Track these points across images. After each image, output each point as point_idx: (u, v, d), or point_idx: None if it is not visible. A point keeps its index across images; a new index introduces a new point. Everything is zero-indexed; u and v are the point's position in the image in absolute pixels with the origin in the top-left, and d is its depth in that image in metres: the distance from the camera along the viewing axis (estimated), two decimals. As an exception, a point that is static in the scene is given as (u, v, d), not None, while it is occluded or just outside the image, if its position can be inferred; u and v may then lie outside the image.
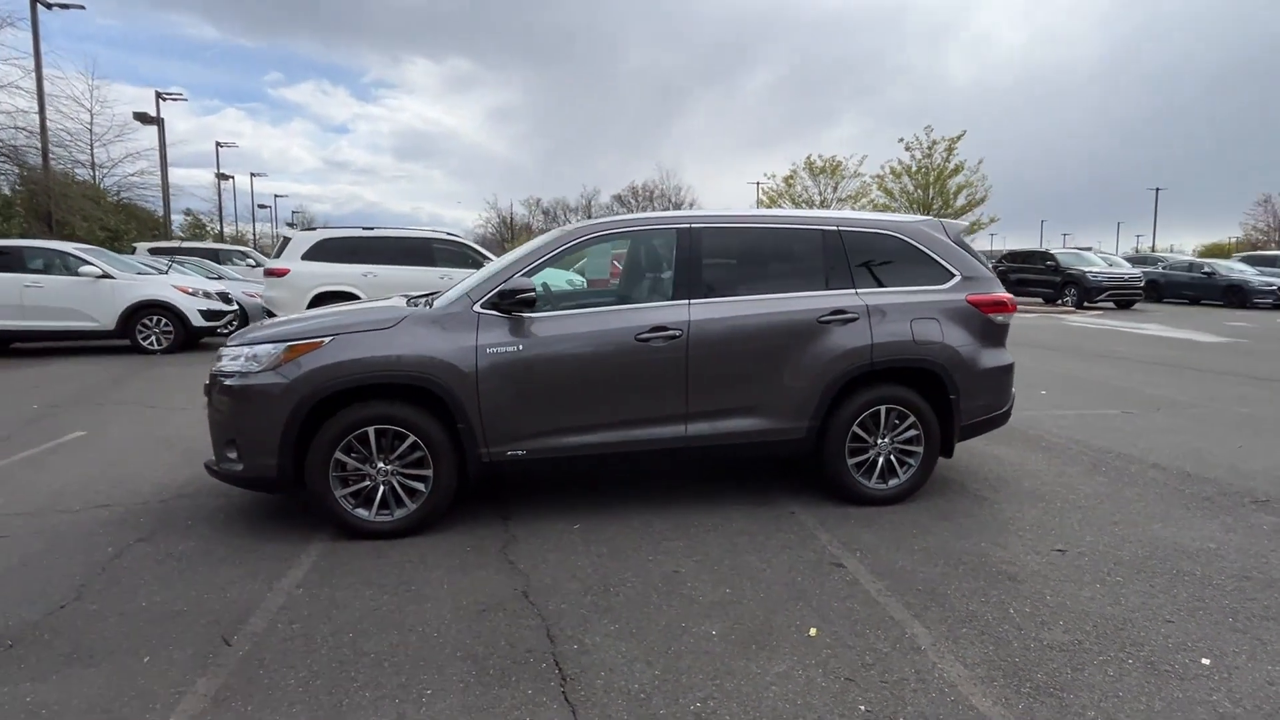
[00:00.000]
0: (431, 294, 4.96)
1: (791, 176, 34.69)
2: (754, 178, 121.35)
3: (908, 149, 26.00)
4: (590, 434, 3.99)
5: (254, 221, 61.99)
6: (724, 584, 3.34)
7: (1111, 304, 21.57)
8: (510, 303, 3.85)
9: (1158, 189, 61.71)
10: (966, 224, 25.32)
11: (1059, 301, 21.73)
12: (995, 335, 4.53)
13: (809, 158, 33.83)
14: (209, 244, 22.09)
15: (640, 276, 4.48)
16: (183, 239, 26.12)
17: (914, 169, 25.94)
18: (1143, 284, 21.47)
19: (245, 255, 20.31)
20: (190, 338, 11.29)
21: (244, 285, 13.81)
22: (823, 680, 2.60)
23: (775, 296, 4.22)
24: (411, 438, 3.80)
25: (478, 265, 11.96)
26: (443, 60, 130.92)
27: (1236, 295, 22.12)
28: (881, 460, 4.32)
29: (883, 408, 4.26)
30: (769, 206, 35.90)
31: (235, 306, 12.12)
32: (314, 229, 11.57)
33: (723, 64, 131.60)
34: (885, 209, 26.98)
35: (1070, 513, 4.25)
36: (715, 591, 3.27)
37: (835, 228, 4.43)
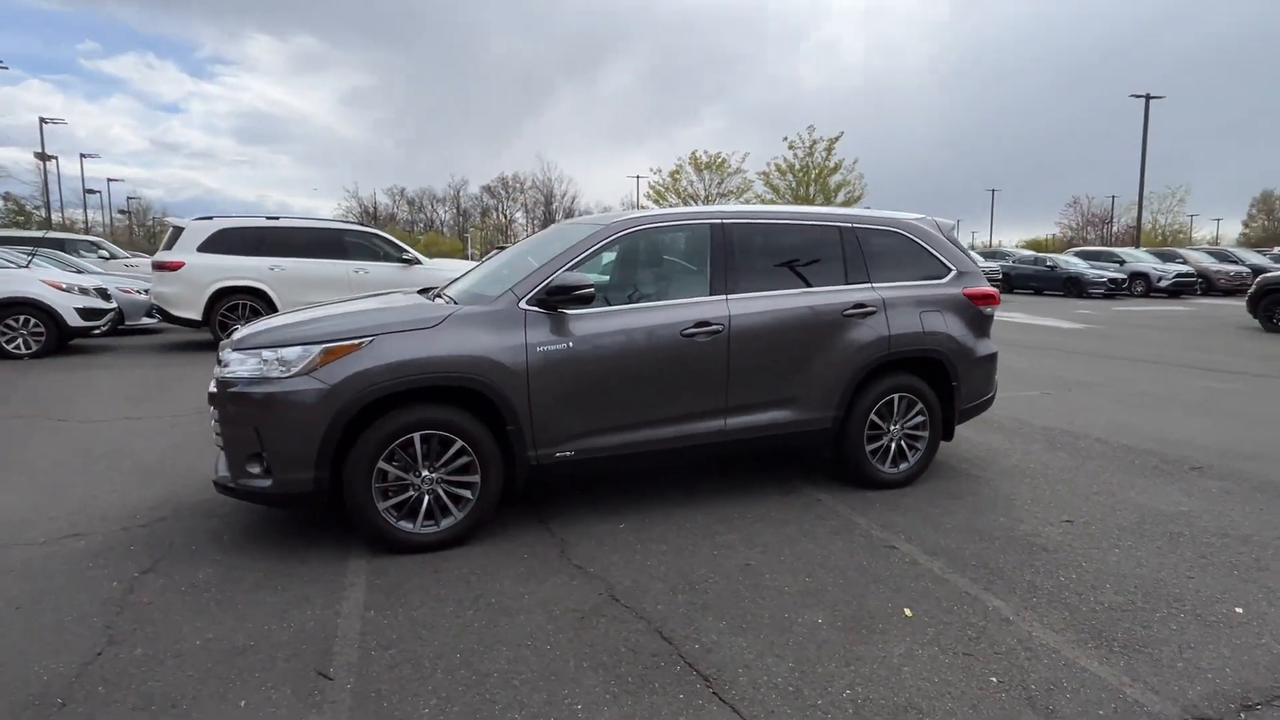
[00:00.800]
0: (432, 289, 4.71)
1: (678, 171, 35.42)
2: (624, 171, 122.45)
3: (791, 147, 27.29)
4: (636, 432, 3.95)
5: (84, 208, 55.33)
6: (800, 573, 3.43)
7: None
8: (562, 299, 3.73)
9: (994, 190, 68.23)
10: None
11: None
12: (984, 326, 4.91)
13: (694, 154, 34.77)
14: (55, 234, 19.52)
15: (671, 272, 4.47)
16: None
17: (796, 167, 27.23)
18: (1000, 276, 23.72)
19: (97, 246, 18.16)
20: (63, 339, 9.97)
21: (114, 280, 12.35)
22: (945, 657, 2.75)
23: (803, 291, 4.36)
24: (458, 443, 3.61)
25: (389, 258, 11.39)
26: (288, 38, 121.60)
27: (1075, 286, 24.94)
28: (893, 446, 4.57)
29: (896, 396, 4.51)
30: (656, 201, 36.43)
31: (114, 305, 10.84)
32: (210, 218, 10.52)
33: (585, 57, 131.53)
34: (770, 205, 28.11)
35: (1055, 486, 4.69)
36: (796, 581, 3.35)
37: (849, 224, 4.63)
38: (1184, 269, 25.58)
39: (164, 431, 5.89)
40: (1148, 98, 32.37)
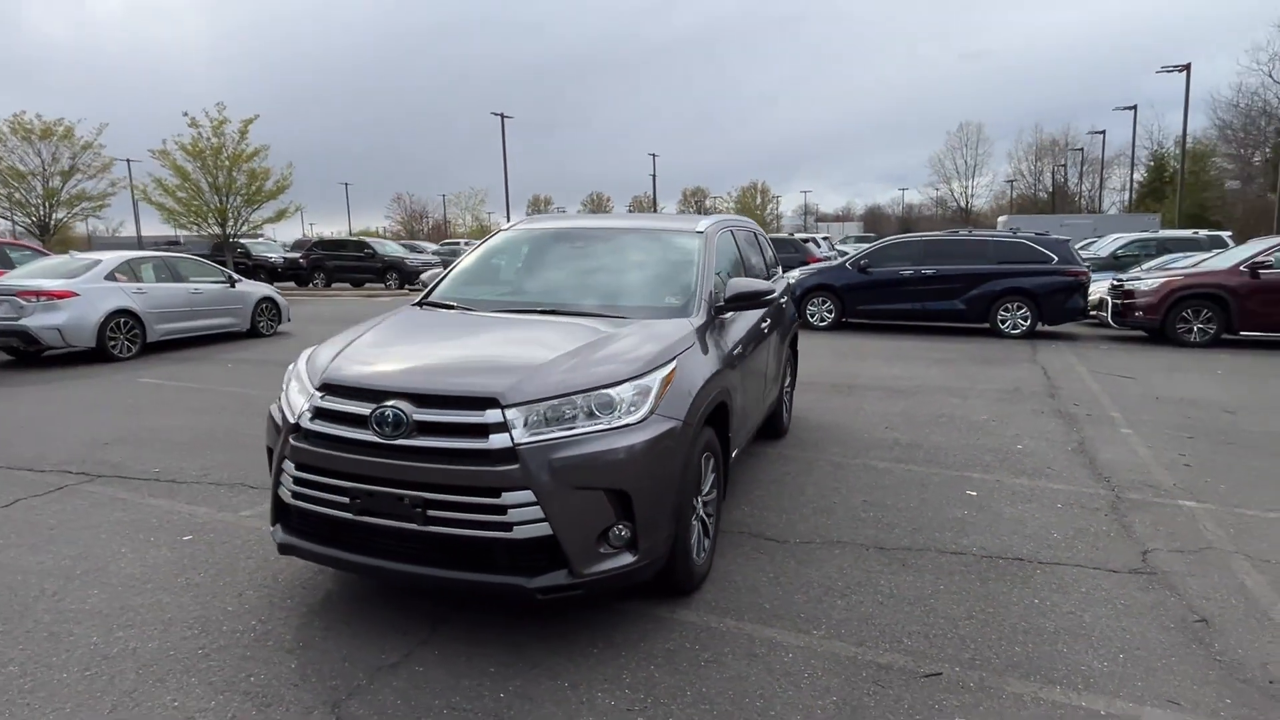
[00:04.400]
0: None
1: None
2: None
3: (193, 125, 23.14)
4: (748, 424, 4.35)
5: None
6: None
7: (420, 284, 25.22)
8: (748, 304, 3.86)
9: (347, 184, 70.25)
10: (272, 212, 24.81)
11: (386, 284, 24.09)
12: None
13: (20, 116, 25.75)
14: None
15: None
16: None
17: (204, 149, 23.35)
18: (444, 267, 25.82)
19: None
20: None
21: None
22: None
23: None
24: (712, 460, 3.46)
25: None
26: None
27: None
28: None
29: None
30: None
31: None
32: None
33: None
34: (176, 190, 23.45)
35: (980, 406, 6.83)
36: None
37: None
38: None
39: None
40: (503, 116, 39.22)
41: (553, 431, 2.67)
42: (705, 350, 3.43)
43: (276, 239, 32.64)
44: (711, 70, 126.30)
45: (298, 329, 13.24)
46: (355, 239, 27.93)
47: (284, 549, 3.01)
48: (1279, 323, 11.06)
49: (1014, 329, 12.28)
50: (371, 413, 2.73)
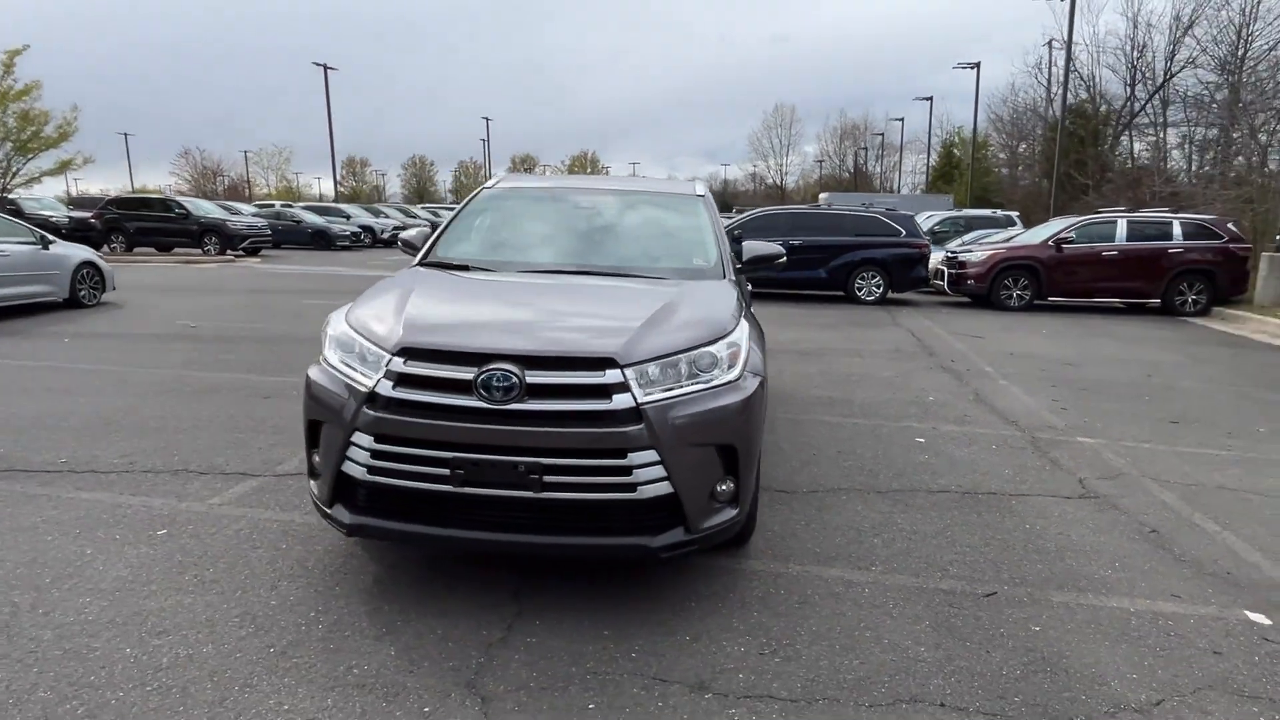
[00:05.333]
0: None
1: None
2: None
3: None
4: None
5: None
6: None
7: (242, 250, 22.78)
8: (764, 266, 3.97)
9: (126, 133, 61.16)
10: (54, 163, 21.07)
11: (204, 250, 21.45)
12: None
13: None
14: None
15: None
16: None
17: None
18: (269, 232, 23.46)
19: None
20: None
21: None
22: (981, 445, 5.05)
23: None
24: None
25: None
26: None
27: (323, 239, 26.78)
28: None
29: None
30: None
31: None
32: None
33: None
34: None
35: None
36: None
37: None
38: (396, 223, 30.73)
39: None
40: (326, 67, 35.83)
41: (665, 390, 2.66)
42: (747, 310, 3.54)
43: (45, 196, 27.76)
44: (538, 35, 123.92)
45: (127, 298, 11.50)
46: (162, 197, 24.50)
47: (354, 531, 2.74)
48: (1077, 290, 13.11)
49: (869, 296, 13.51)
50: (476, 377, 2.56)
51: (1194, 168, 25.81)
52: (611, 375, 2.59)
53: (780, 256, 4.17)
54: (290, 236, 26.41)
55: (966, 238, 17.27)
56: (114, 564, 3.11)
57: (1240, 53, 26.33)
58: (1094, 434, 5.49)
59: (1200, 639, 2.77)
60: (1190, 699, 2.41)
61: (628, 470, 2.57)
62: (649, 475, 2.59)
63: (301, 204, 33.01)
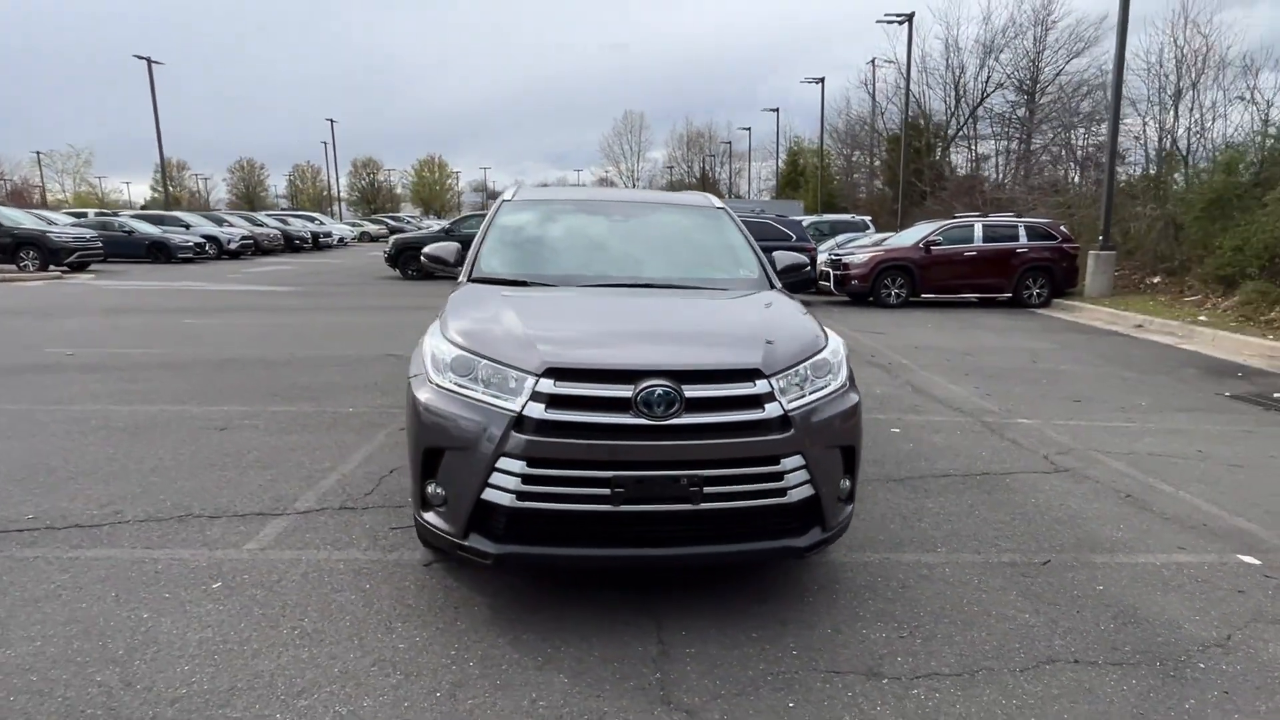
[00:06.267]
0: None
1: None
2: None
3: None
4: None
5: None
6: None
7: (67, 266, 20.08)
8: (795, 276, 4.17)
9: None
10: None
11: (20, 266, 18.65)
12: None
13: None
14: None
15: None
16: None
17: None
18: (100, 245, 20.81)
19: None
20: None
21: None
22: (951, 432, 5.58)
23: None
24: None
25: None
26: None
27: (162, 251, 24.10)
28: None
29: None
30: None
31: None
32: None
33: None
34: None
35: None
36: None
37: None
38: (244, 232, 28.22)
39: None
40: (150, 60, 32.08)
41: (799, 398, 2.79)
42: (807, 318, 3.74)
43: None
44: (375, 35, 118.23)
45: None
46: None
47: (500, 561, 2.64)
48: (945, 287, 14.54)
49: (765, 297, 14.24)
50: (636, 394, 2.56)
51: (1005, 178, 29.33)
52: (761, 385, 2.69)
53: (806, 267, 4.40)
54: (122, 249, 23.49)
55: (836, 240, 18.64)
56: (187, 626, 2.78)
57: (1034, 76, 30.38)
58: (1027, 415, 6.21)
59: (1223, 581, 3.30)
60: (1248, 630, 2.89)
61: (779, 476, 2.68)
62: (797, 479, 2.71)
63: (129, 212, 29.50)
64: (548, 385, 2.60)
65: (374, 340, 9.23)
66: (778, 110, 43.99)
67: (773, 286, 3.87)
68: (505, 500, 2.60)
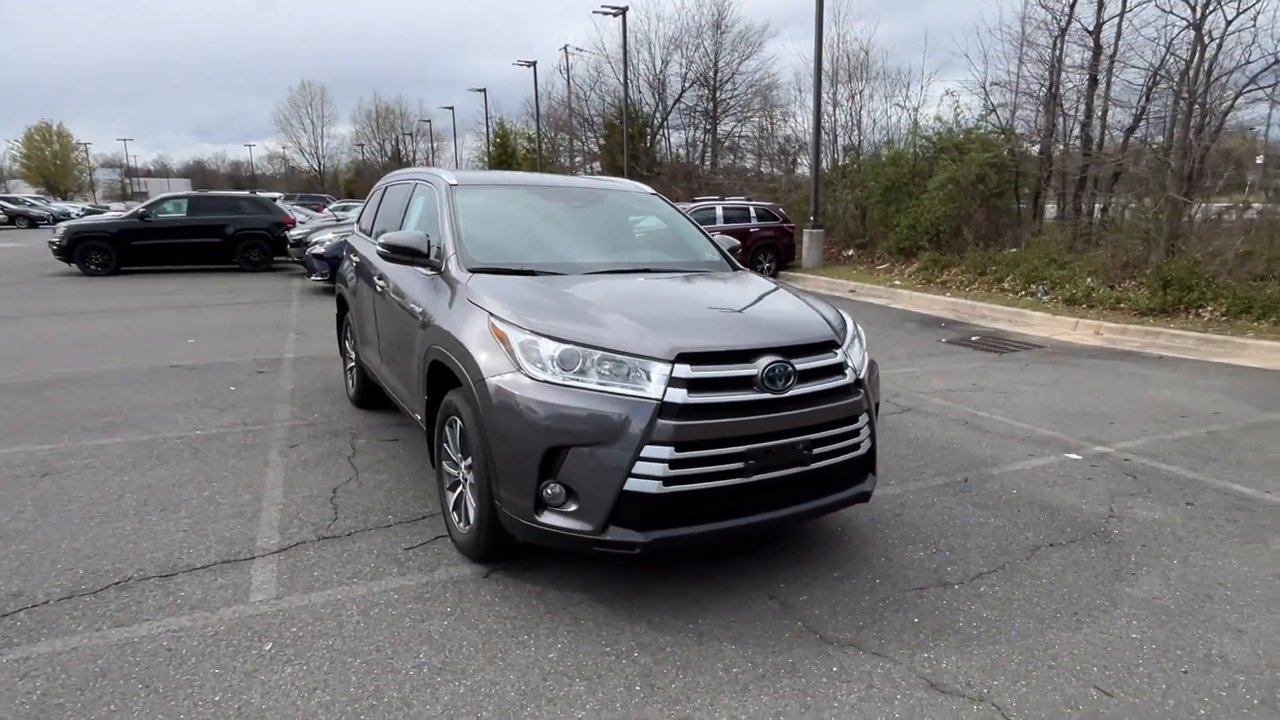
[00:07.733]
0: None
1: None
2: None
3: None
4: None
5: None
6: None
7: None
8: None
9: None
10: None
11: None
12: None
13: None
14: None
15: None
16: None
17: None
18: None
19: None
20: None
21: None
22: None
23: None
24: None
25: None
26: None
27: None
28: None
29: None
30: None
31: None
32: None
33: None
34: None
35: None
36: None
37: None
38: None
39: None
40: None
41: (860, 363, 3.20)
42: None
43: None
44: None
45: None
46: None
47: (651, 547, 2.65)
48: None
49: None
50: (762, 371, 2.75)
51: (706, 165, 32.80)
52: (839, 355, 3.04)
53: (738, 249, 4.79)
54: None
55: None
56: (285, 695, 2.33)
57: (715, 73, 34.31)
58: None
59: (1075, 473, 4.47)
60: (1115, 503, 4.00)
61: (857, 432, 3.07)
62: (865, 434, 3.13)
63: None
64: (685, 370, 2.67)
65: (134, 350, 7.56)
66: (485, 90, 43.57)
67: (735, 268, 4.21)
68: (651, 488, 2.62)
